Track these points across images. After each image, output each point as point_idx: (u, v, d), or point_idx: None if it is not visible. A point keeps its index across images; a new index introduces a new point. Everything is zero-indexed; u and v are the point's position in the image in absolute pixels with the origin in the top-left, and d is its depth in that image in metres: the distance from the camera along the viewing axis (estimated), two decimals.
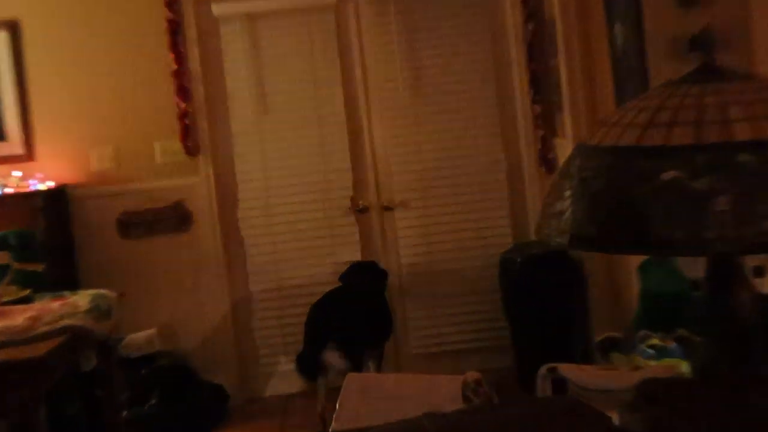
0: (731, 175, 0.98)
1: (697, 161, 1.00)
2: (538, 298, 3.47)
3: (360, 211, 3.81)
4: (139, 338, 3.62)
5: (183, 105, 3.65)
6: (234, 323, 3.83)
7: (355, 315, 3.26)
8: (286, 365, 3.83)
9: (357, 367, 3.14)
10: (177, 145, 3.68)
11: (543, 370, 1.71)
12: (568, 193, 1.09)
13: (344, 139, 3.79)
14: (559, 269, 3.47)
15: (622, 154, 1.06)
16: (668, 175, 1.01)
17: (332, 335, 3.18)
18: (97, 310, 2.80)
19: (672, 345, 1.96)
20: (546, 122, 3.66)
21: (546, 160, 3.69)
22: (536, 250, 3.56)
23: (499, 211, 3.81)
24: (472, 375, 1.57)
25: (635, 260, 2.63)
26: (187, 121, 3.66)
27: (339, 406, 1.48)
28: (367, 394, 1.42)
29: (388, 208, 3.82)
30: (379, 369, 3.39)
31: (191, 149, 3.69)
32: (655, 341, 2.04)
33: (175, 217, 3.72)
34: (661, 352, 2.00)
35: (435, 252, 3.82)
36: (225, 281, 3.77)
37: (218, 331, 3.79)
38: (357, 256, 3.77)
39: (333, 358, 3.14)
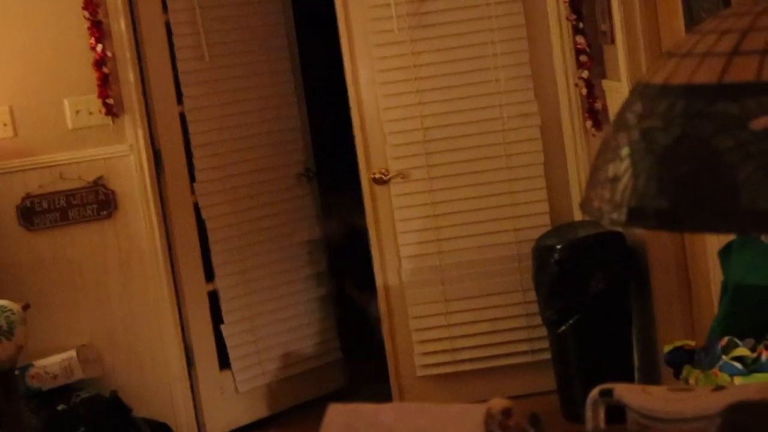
0: None
1: None
2: (585, 297, 3.47)
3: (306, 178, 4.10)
4: (53, 364, 3.62)
5: (99, 47, 3.61)
6: (179, 338, 3.81)
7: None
8: (254, 381, 3.85)
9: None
10: (94, 102, 3.66)
11: (594, 393, 1.71)
12: (625, 151, 1.09)
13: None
14: (614, 257, 3.48)
15: (698, 96, 1.05)
16: (762, 122, 0.99)
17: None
18: None
19: (766, 356, 1.96)
20: (592, 59, 3.65)
21: (593, 111, 3.68)
22: (583, 232, 3.56)
23: (532, 183, 3.80)
24: (498, 404, 1.56)
25: (716, 243, 2.63)
26: (105, 70, 3.63)
27: None
28: (356, 431, 1.41)
29: (380, 181, 3.80)
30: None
31: (112, 108, 3.66)
32: (742, 351, 2.03)
33: (95, 201, 3.71)
34: (751, 366, 1.99)
35: (445, 240, 3.81)
36: (165, 282, 3.76)
37: (160, 351, 3.79)
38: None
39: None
